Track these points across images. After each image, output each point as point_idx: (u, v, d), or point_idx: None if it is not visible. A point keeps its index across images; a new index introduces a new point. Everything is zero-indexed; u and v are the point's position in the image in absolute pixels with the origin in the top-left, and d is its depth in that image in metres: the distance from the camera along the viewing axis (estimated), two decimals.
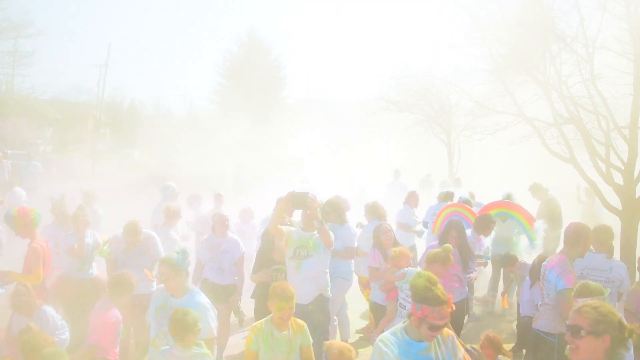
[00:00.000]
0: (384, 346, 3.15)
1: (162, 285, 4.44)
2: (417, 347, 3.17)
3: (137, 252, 6.51)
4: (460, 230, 6.35)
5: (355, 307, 8.31)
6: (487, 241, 8.25)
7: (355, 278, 7.16)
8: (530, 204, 9.93)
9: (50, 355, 3.85)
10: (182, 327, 3.88)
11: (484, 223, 7.06)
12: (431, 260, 5.29)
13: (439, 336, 3.23)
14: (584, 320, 2.77)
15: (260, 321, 4.41)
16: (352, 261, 6.86)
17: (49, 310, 5.23)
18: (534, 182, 10.17)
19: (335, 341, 3.92)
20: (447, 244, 5.53)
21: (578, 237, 4.88)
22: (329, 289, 5.81)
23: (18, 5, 58.95)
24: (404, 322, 3.26)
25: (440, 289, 3.18)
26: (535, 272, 6.34)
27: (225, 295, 6.46)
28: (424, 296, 3.13)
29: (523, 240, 8.35)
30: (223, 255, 6.59)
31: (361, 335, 7.78)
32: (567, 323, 2.84)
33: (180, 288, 4.33)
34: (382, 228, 6.46)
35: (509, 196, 8.74)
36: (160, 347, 4.18)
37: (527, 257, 7.83)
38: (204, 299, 4.37)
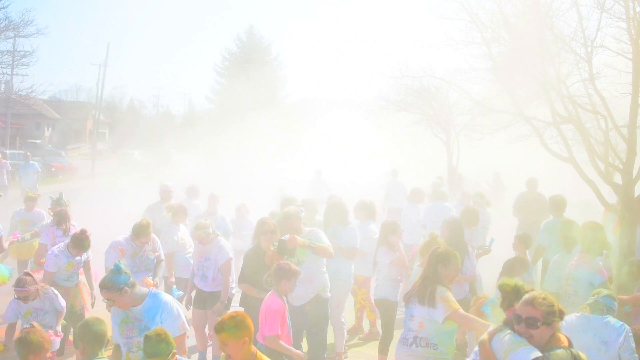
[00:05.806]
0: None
1: None
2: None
3: (144, 255, 6.46)
4: (452, 227, 6.34)
5: (347, 305, 8.37)
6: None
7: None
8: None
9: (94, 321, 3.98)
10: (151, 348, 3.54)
11: (469, 215, 7.44)
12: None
13: None
14: (538, 312, 3.08)
15: None
16: (352, 263, 6.82)
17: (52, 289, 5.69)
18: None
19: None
20: (433, 232, 5.80)
21: (595, 236, 5.11)
22: (327, 289, 5.79)
23: (18, 4, 59.12)
24: (508, 330, 3.17)
25: None
26: (508, 268, 6.14)
27: (211, 302, 6.35)
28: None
29: None
30: (206, 264, 6.42)
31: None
32: (520, 315, 3.07)
33: (135, 299, 4.04)
34: (393, 225, 6.42)
35: None
36: None
37: None
38: (166, 297, 4.20)
